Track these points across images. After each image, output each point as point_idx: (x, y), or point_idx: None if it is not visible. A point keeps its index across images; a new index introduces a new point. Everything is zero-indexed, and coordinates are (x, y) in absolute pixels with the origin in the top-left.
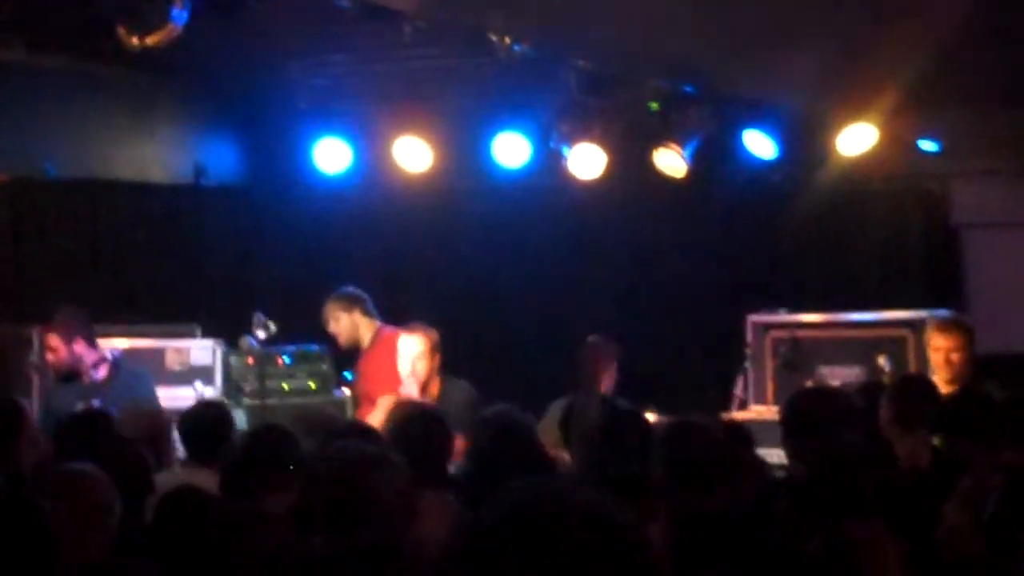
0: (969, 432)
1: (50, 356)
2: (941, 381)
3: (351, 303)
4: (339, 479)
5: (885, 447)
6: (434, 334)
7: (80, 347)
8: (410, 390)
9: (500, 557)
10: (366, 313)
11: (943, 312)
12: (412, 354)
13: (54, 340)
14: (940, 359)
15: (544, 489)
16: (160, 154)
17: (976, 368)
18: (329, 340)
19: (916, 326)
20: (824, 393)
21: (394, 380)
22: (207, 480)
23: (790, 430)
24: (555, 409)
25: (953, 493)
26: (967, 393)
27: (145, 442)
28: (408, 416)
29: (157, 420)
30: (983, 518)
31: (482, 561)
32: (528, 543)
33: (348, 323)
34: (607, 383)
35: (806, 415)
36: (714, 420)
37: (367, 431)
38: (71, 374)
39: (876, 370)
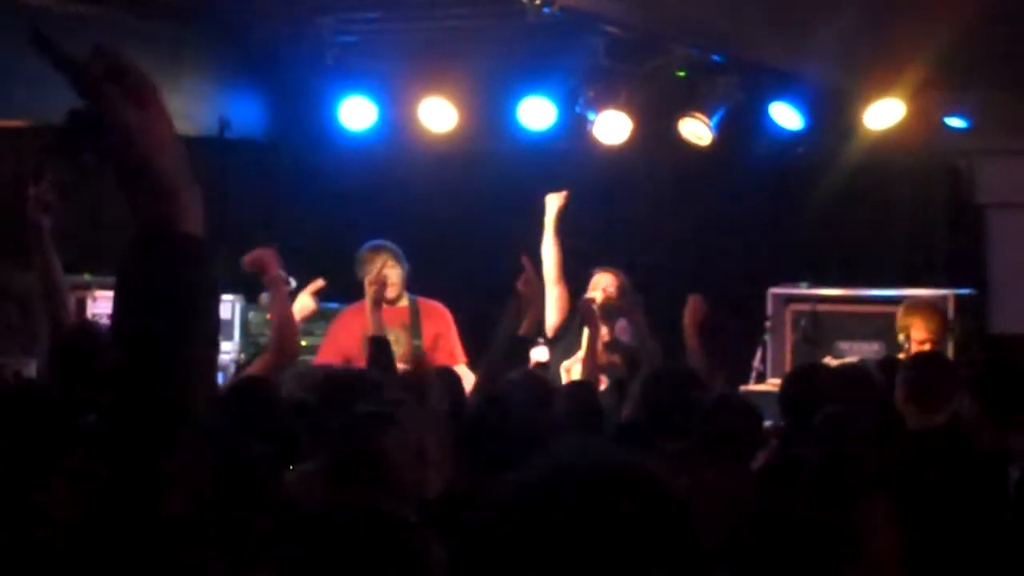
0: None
1: None
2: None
3: (402, 259)
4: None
5: (896, 424)
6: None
7: None
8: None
9: (543, 516)
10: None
11: (965, 291)
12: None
13: None
14: (919, 327)
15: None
16: (185, 106)
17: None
18: (350, 296)
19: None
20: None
21: (451, 354)
22: None
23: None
24: None
25: None
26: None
27: None
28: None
29: None
30: None
31: (525, 520)
32: (571, 502)
33: (400, 277)
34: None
35: (801, 392)
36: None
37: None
38: None
39: (896, 346)
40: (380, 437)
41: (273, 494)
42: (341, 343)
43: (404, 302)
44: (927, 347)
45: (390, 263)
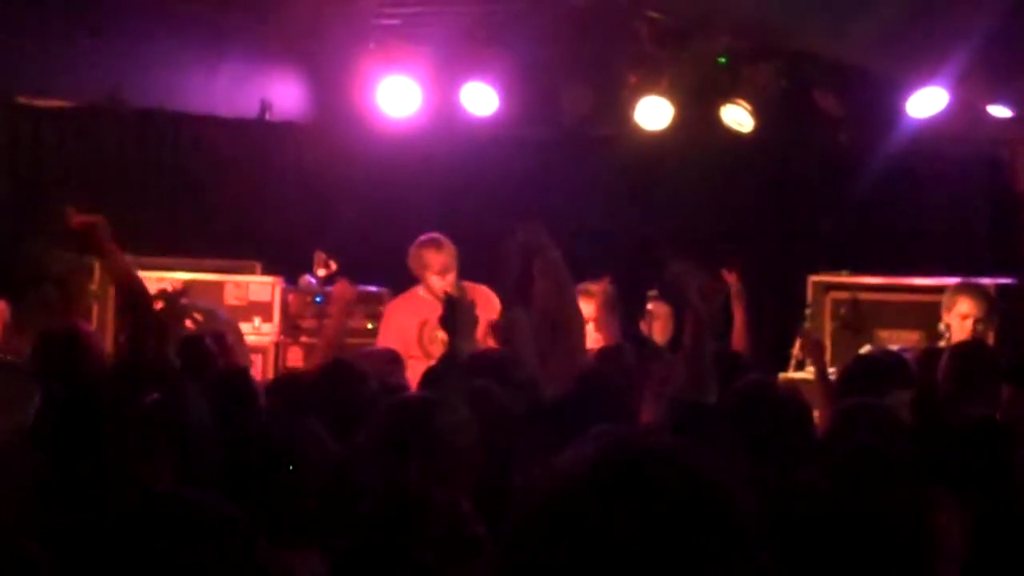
0: None
1: None
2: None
3: (455, 256)
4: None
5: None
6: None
7: None
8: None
9: (586, 505)
10: None
11: (1006, 280)
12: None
13: None
14: (959, 316)
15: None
16: (226, 89)
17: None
18: (389, 280)
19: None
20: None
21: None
22: None
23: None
24: None
25: None
26: None
27: None
28: None
29: None
30: None
31: (567, 508)
32: (615, 491)
33: (456, 275)
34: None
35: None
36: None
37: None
38: None
39: (935, 335)
40: (433, 419)
41: (322, 473)
42: (398, 333)
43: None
44: (970, 324)
45: (449, 262)
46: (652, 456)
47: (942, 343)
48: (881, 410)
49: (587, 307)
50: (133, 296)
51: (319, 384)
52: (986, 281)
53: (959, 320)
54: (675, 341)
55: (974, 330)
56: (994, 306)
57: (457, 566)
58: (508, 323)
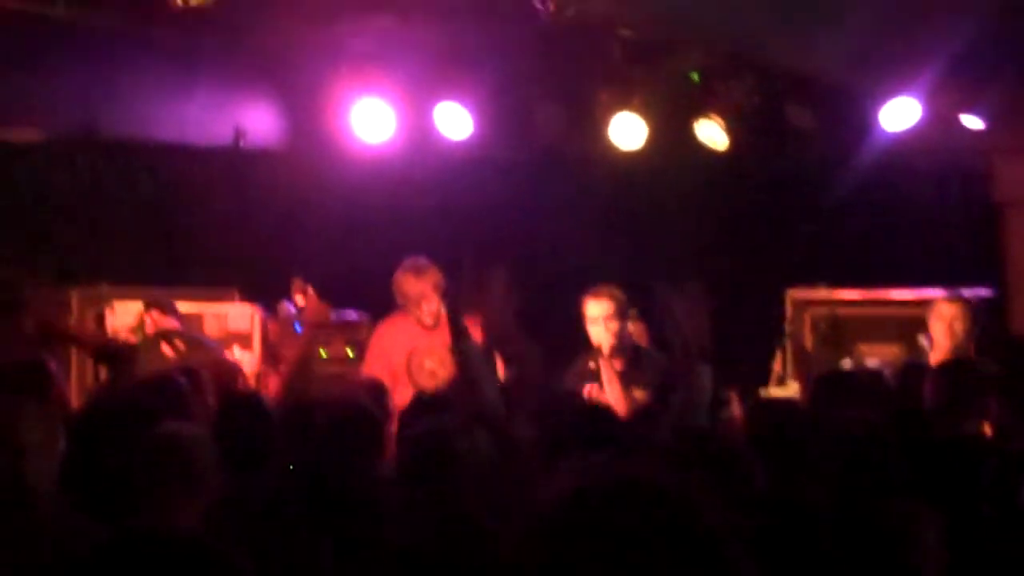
0: None
1: None
2: (940, 352)
3: (441, 283)
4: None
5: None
6: (621, 295)
7: None
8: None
9: (567, 533)
10: None
11: (983, 291)
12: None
13: None
14: (943, 328)
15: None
16: (199, 115)
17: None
18: (365, 305)
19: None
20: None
21: None
22: None
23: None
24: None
25: None
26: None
27: None
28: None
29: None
30: None
31: (550, 536)
32: (596, 519)
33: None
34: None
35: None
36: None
37: None
38: None
39: (916, 348)
40: (454, 445)
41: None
42: (385, 359)
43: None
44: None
45: (427, 290)
46: (631, 484)
47: (923, 356)
48: (867, 424)
49: (600, 307)
50: (110, 354)
51: (219, 416)
52: (964, 293)
53: (941, 325)
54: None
55: (952, 332)
56: (976, 315)
57: None
58: (463, 356)
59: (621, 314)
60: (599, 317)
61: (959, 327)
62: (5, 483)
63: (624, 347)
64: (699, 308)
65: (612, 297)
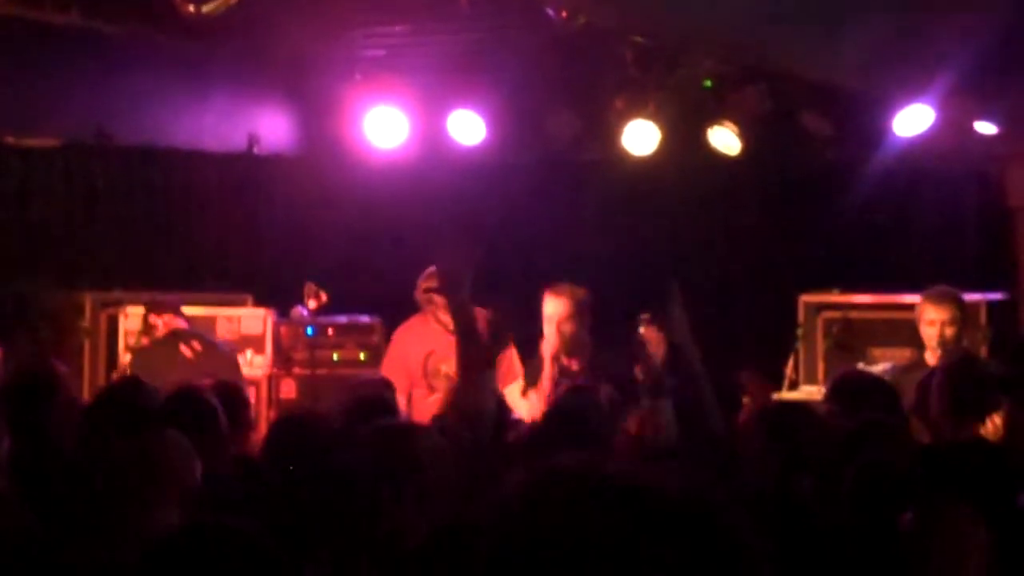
0: None
1: None
2: (933, 357)
3: None
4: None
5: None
6: (581, 293)
7: None
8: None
9: (532, 529)
10: None
11: (996, 295)
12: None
13: None
14: (934, 332)
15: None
16: (214, 122)
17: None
18: (378, 309)
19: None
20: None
21: (510, 370)
22: None
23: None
24: None
25: None
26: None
27: None
28: None
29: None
30: None
31: (513, 532)
32: (557, 517)
33: None
34: None
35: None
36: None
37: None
38: None
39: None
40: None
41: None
42: (402, 361)
43: None
44: (937, 330)
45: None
46: (586, 479)
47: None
48: (890, 428)
49: (555, 305)
50: None
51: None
52: (976, 297)
53: (927, 327)
54: (669, 364)
55: (941, 334)
56: (963, 309)
57: None
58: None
59: (579, 314)
60: (552, 316)
61: (942, 319)
62: None
63: (581, 347)
64: (663, 338)
65: (571, 296)
